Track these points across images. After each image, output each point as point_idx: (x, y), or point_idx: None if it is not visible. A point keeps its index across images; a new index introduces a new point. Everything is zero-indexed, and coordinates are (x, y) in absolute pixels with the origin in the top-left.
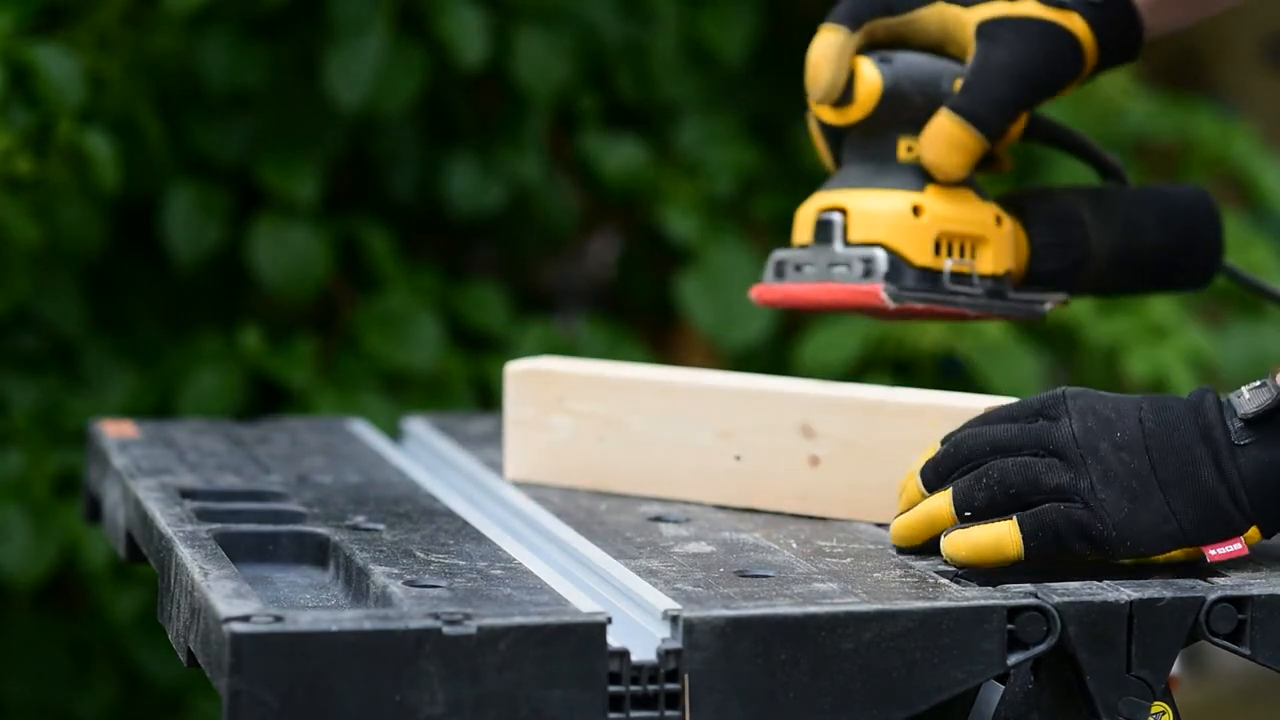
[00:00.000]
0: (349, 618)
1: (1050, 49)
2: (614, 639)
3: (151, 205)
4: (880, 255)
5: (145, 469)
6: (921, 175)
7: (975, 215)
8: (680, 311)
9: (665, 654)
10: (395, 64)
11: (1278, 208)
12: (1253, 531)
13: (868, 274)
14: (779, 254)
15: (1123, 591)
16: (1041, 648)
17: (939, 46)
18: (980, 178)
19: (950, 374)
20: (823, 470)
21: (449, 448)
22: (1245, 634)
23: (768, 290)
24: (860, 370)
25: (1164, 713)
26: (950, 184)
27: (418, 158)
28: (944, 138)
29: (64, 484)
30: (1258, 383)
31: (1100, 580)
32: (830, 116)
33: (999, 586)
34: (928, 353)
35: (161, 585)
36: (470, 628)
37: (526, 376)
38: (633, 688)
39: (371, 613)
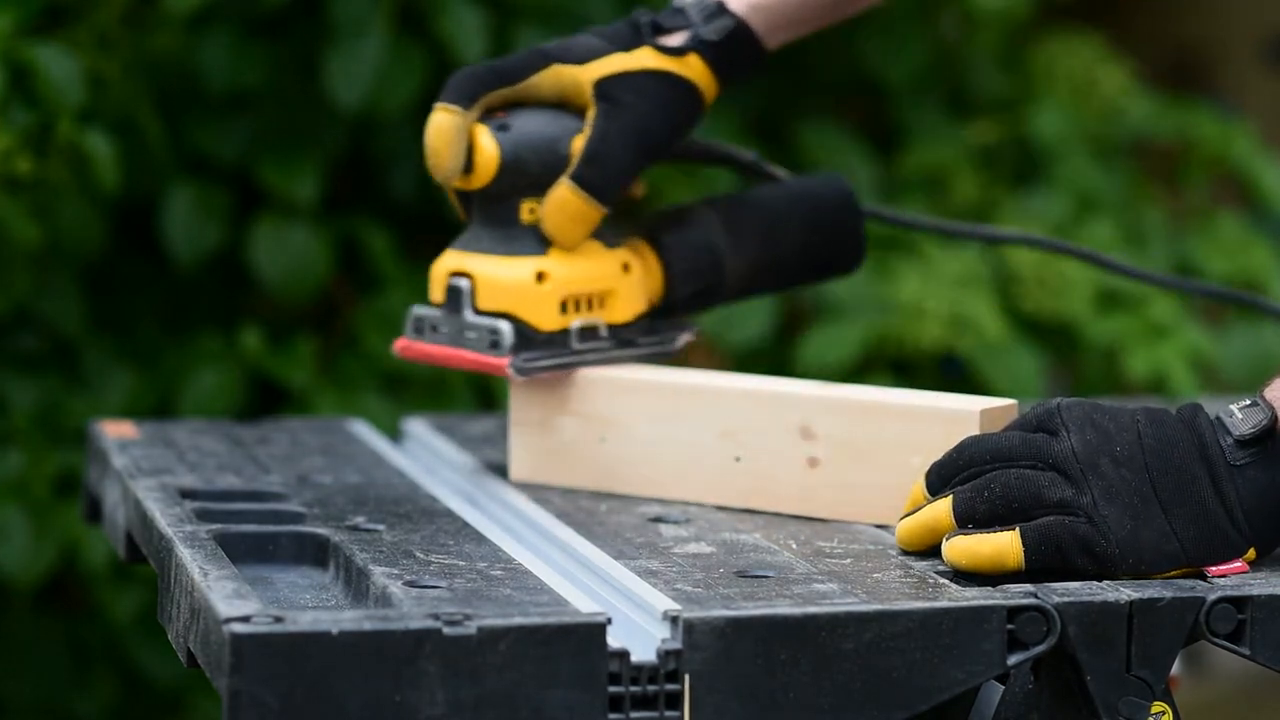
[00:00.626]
0: (349, 618)
1: (670, 102)
2: (614, 639)
3: (151, 205)
4: (506, 329)
5: (145, 469)
6: (543, 238)
7: (600, 270)
8: None
9: (665, 654)
10: (395, 64)
11: (1278, 208)
12: (1250, 552)
13: (494, 345)
14: (417, 310)
15: (1123, 591)
16: (1041, 648)
17: (559, 106)
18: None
19: (950, 373)
20: (822, 471)
21: (449, 448)
22: (1245, 634)
23: (410, 346)
24: (861, 370)
25: (1164, 713)
26: None
27: (418, 157)
28: (564, 210)
29: (64, 484)
30: (1248, 401)
31: (1100, 581)
32: (456, 184)
33: (999, 587)
34: (928, 352)
35: (161, 585)
36: (470, 628)
37: (530, 380)
38: (633, 688)
39: (371, 613)
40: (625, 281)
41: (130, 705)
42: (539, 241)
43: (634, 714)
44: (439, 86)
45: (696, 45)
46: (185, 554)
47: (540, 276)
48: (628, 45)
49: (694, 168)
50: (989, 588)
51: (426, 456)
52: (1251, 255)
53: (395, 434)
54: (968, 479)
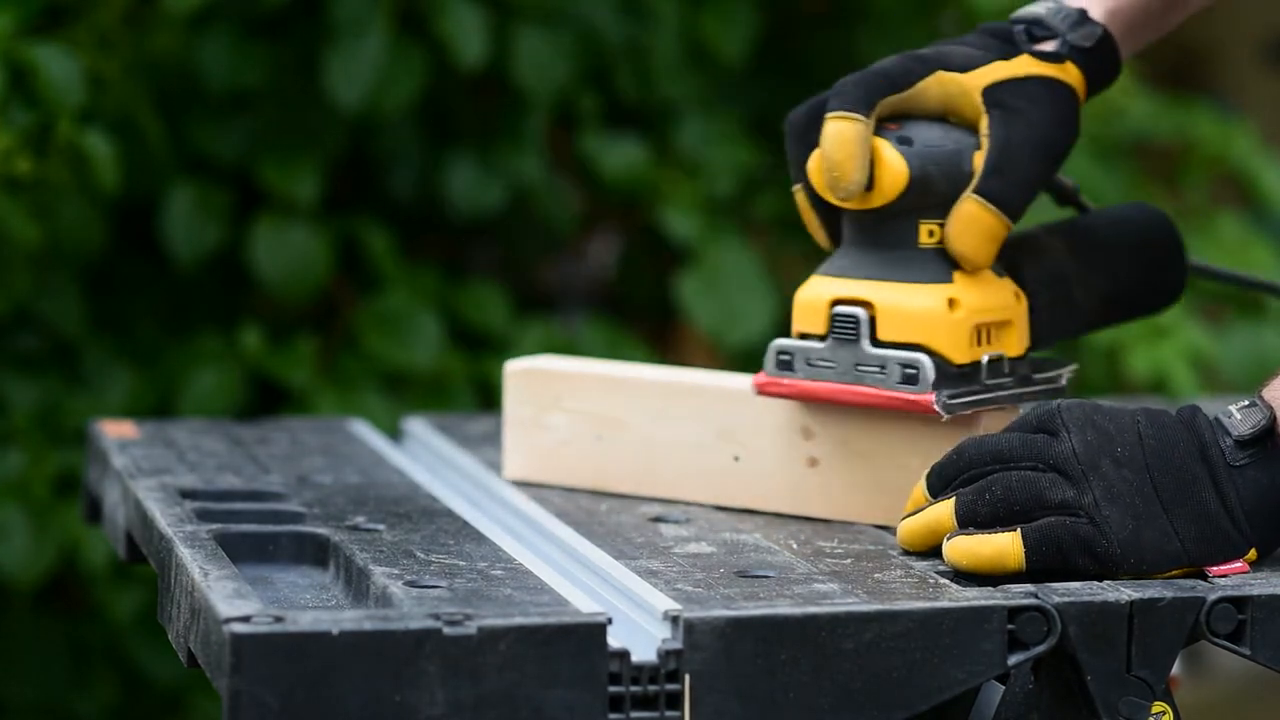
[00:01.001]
0: (349, 618)
1: (1061, 110)
2: (614, 639)
3: (151, 205)
4: (926, 362)
5: (145, 469)
6: (946, 262)
7: (1000, 299)
8: (680, 311)
9: (665, 654)
10: (395, 64)
11: (1278, 208)
12: (1251, 553)
13: (909, 380)
14: (782, 344)
15: (1123, 592)
16: (1042, 648)
17: (941, 115)
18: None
19: None
20: (821, 471)
21: (449, 448)
22: (1245, 634)
23: (775, 384)
24: None
25: (1164, 713)
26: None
27: (418, 157)
28: (976, 227)
29: (64, 484)
30: (1246, 401)
31: (1100, 581)
32: (850, 203)
33: (999, 587)
34: None
35: (161, 585)
36: (470, 628)
37: (525, 375)
38: (633, 688)
39: (371, 613)
40: (1019, 311)
41: (130, 705)
42: (942, 267)
43: (634, 714)
44: (439, 86)
45: (1070, 52)
46: (185, 554)
47: (952, 304)
48: (1004, 53)
49: None
50: (989, 588)
51: (426, 456)
52: (1251, 255)
53: (395, 434)
54: (968, 481)
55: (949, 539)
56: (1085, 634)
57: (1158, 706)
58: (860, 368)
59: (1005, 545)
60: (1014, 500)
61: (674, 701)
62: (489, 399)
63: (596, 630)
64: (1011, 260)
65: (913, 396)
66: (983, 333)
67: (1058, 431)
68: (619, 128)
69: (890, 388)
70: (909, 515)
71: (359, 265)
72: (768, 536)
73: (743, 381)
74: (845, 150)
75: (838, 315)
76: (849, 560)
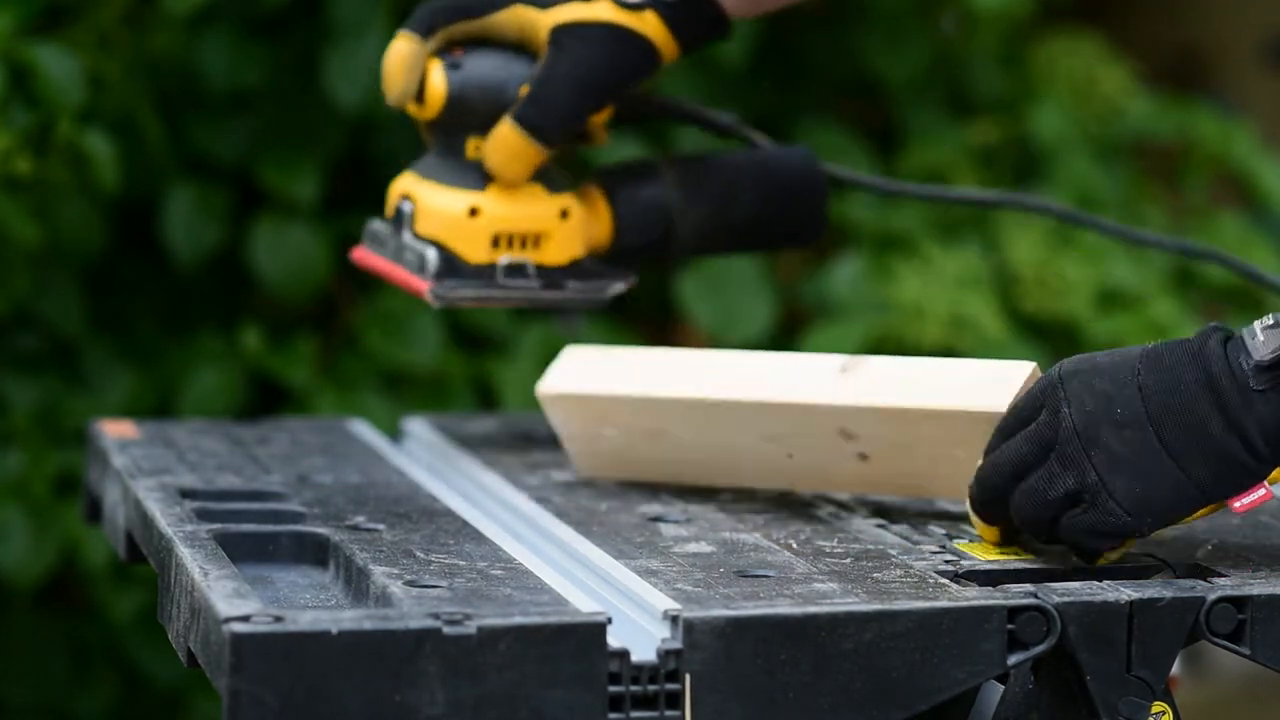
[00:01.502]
0: (349, 618)
1: (616, 53)
2: (614, 639)
3: (151, 205)
4: (432, 256)
5: (145, 469)
6: (484, 175)
7: (537, 211)
8: (681, 311)
9: (665, 654)
10: None
11: (1278, 208)
12: (1275, 472)
13: (421, 269)
14: (374, 224)
15: (1123, 591)
16: (1041, 648)
17: (519, 47)
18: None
19: None
20: (874, 464)
21: (449, 448)
22: (1245, 634)
23: (364, 256)
24: None
25: (1164, 713)
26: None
27: (417, 156)
28: (505, 147)
29: (64, 484)
30: (1270, 320)
31: (1100, 580)
32: (411, 111)
33: (999, 586)
34: (928, 351)
35: (161, 585)
36: (470, 628)
37: (560, 401)
38: (633, 688)
39: (371, 613)
40: (562, 226)
41: (130, 705)
42: (481, 177)
43: (634, 714)
44: None
45: (654, 3)
46: (185, 554)
47: (473, 211)
48: None
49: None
50: (989, 588)
51: (426, 456)
52: (1251, 255)
53: (395, 434)
54: (1004, 509)
55: None
56: (1085, 634)
57: (1158, 706)
58: (403, 254)
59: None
60: (1026, 518)
61: (674, 701)
62: (489, 399)
63: (596, 630)
64: (607, 179)
65: (417, 282)
66: (504, 239)
67: (1058, 408)
68: (618, 128)
69: (411, 273)
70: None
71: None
72: (768, 536)
73: (768, 390)
74: (395, 65)
75: (396, 207)
76: (849, 560)
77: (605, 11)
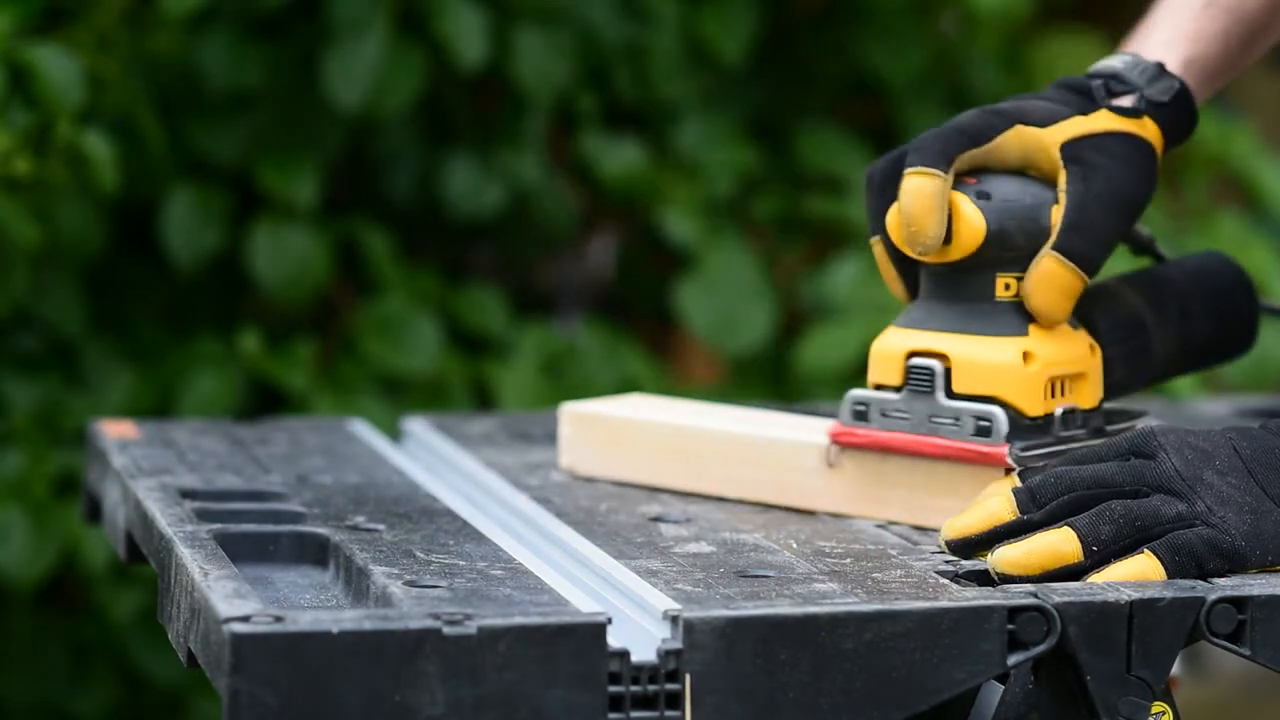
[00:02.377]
0: (349, 618)
1: (1139, 164)
2: (614, 639)
3: (151, 206)
4: (999, 415)
5: (145, 469)
6: (1022, 315)
7: (1074, 352)
8: (680, 318)
9: (665, 654)
10: (395, 65)
11: (1278, 208)
12: None
13: (982, 433)
14: (858, 394)
15: (1123, 591)
16: (1041, 648)
17: (1020, 170)
18: None
19: None
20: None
21: (449, 448)
22: (1245, 634)
23: (850, 434)
24: (860, 372)
25: (1164, 713)
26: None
27: (416, 159)
28: (1054, 283)
29: (64, 484)
30: None
31: (1101, 570)
32: (928, 256)
33: (999, 586)
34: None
35: (161, 585)
36: (470, 628)
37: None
38: (633, 688)
39: (371, 613)
40: (1093, 364)
41: (130, 705)
42: (1017, 320)
43: (634, 714)
44: (439, 87)
45: (1148, 107)
46: (185, 554)
47: (1027, 357)
48: (1083, 108)
49: None
50: (989, 588)
51: (426, 456)
52: (1251, 255)
53: (394, 437)
54: (1074, 504)
55: (1088, 577)
56: (1085, 634)
57: (1158, 706)
58: (934, 419)
59: (1145, 568)
60: (1135, 517)
61: (674, 701)
62: (487, 402)
63: (596, 630)
64: (1086, 311)
65: (986, 449)
66: (1056, 385)
67: (1155, 454)
68: (618, 128)
69: (963, 439)
70: (1008, 540)
71: (358, 267)
72: (768, 536)
73: (763, 491)
74: (924, 205)
75: (913, 367)
76: (849, 560)
77: (1111, 121)
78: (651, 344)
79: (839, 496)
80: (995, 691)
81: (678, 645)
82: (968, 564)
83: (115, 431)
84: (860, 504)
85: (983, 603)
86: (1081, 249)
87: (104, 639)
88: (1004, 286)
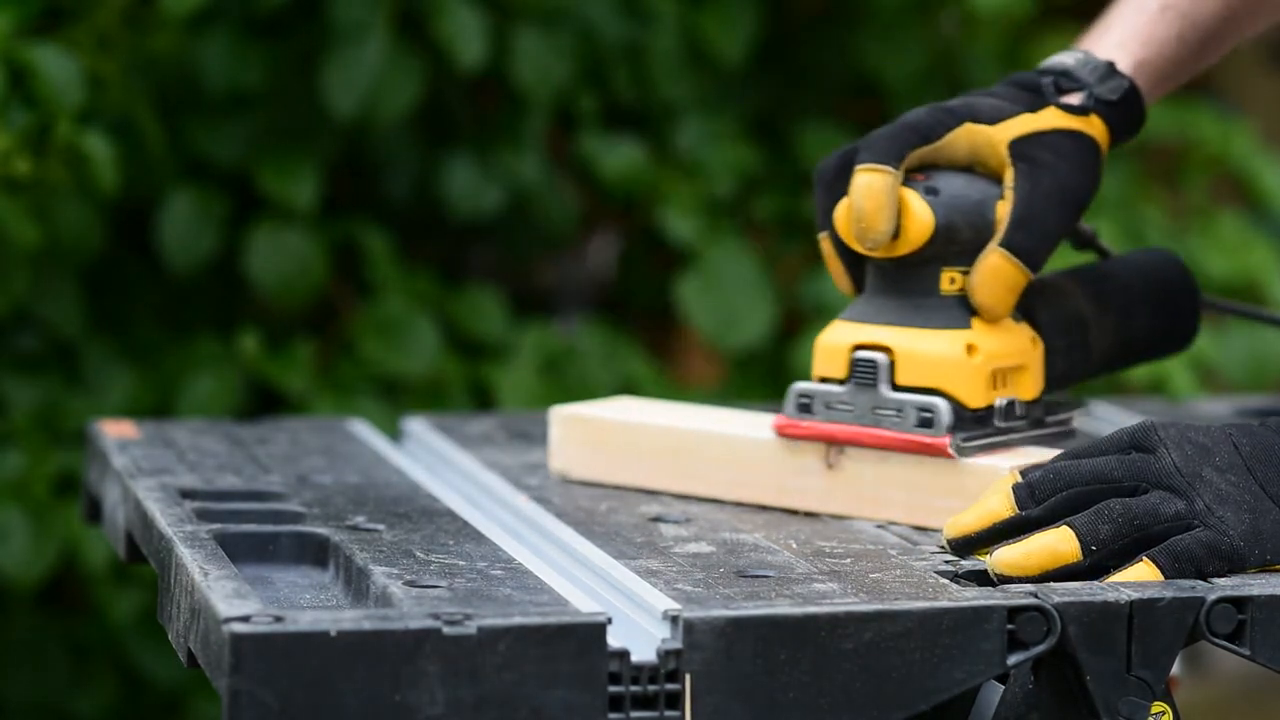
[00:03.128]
0: (349, 618)
1: (1084, 164)
2: (614, 639)
3: (150, 206)
4: (942, 406)
5: (145, 469)
6: (966, 309)
7: (1016, 344)
8: (680, 313)
9: (665, 654)
10: (393, 71)
11: (1278, 208)
12: None
13: (925, 424)
14: (802, 387)
15: (1123, 591)
16: (1041, 648)
17: (969, 166)
18: None
19: None
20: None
21: (449, 448)
22: (1245, 634)
23: (794, 426)
24: None
25: (1164, 713)
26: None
27: (416, 160)
28: (999, 278)
29: (64, 484)
30: None
31: (1100, 580)
32: (873, 251)
33: (999, 587)
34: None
35: (161, 585)
36: (470, 628)
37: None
38: (633, 688)
39: (371, 613)
40: (1035, 356)
41: (130, 705)
42: (961, 313)
43: (634, 714)
44: (438, 88)
45: (1095, 105)
46: (185, 554)
47: (970, 349)
48: (1033, 106)
49: None
50: (989, 588)
51: (426, 456)
52: (1251, 255)
53: (394, 436)
54: (1072, 501)
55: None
56: (1085, 634)
57: (1158, 706)
58: (878, 411)
59: (1144, 575)
60: (1134, 517)
61: (674, 701)
62: (486, 402)
63: (596, 630)
64: (1029, 305)
65: (928, 440)
66: (998, 377)
67: (1155, 449)
68: (618, 128)
69: (907, 430)
70: (1006, 540)
71: (357, 268)
72: (768, 536)
73: (764, 494)
74: (874, 201)
75: (858, 360)
76: (848, 560)
77: (1058, 119)
78: (651, 344)
79: (838, 498)
80: (995, 691)
81: (677, 645)
82: (967, 564)
83: (115, 431)
84: (859, 505)
85: (983, 603)
86: (1027, 245)
87: (104, 639)
88: (949, 281)
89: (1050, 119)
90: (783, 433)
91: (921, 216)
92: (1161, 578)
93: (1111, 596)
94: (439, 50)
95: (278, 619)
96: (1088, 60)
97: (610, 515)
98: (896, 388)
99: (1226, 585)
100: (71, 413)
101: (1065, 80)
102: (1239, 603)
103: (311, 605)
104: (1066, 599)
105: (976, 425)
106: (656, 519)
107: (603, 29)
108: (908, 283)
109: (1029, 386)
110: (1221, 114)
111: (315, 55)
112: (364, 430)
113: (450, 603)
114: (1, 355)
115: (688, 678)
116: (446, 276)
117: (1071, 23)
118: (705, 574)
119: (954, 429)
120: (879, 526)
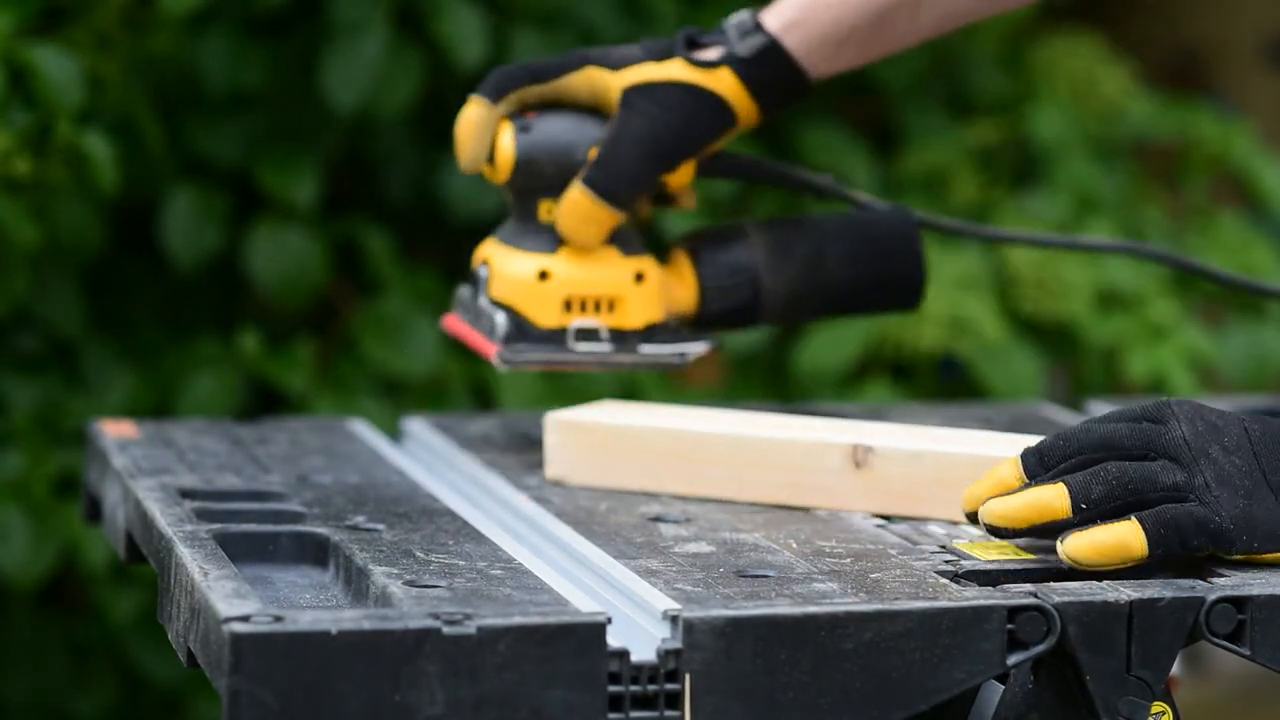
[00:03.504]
0: (349, 618)
1: (688, 113)
2: (614, 639)
3: (150, 206)
4: (501, 320)
5: (145, 469)
6: (555, 237)
7: (609, 275)
8: None
9: (665, 654)
10: (393, 66)
11: (1278, 208)
12: None
13: (492, 333)
14: (461, 290)
15: (1123, 591)
16: (1041, 648)
17: (591, 109)
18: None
19: (949, 375)
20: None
21: (449, 448)
22: (1245, 634)
23: (453, 323)
24: (859, 372)
25: (1164, 713)
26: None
27: (416, 159)
28: (576, 211)
29: (64, 484)
30: None
31: (1100, 580)
32: (486, 175)
33: (999, 586)
34: (927, 355)
35: (161, 585)
36: (470, 628)
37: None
38: (633, 688)
39: (371, 613)
40: (637, 290)
41: (130, 705)
42: (553, 241)
43: (634, 714)
44: (438, 87)
45: (729, 60)
46: (185, 554)
47: (543, 275)
48: (661, 56)
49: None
50: (989, 588)
51: (426, 456)
52: (1251, 255)
53: (395, 435)
54: (1079, 465)
55: (1065, 537)
56: (1085, 634)
57: (1157, 706)
58: (478, 316)
59: (1126, 533)
60: (1128, 479)
61: (674, 701)
62: (487, 402)
63: (596, 630)
64: (695, 245)
65: (486, 345)
66: (576, 303)
67: (1166, 420)
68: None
69: (484, 336)
70: (1001, 494)
71: (357, 268)
72: (768, 536)
73: (782, 492)
74: (466, 131)
75: (474, 271)
76: (848, 560)
77: (678, 71)
78: None
79: (857, 497)
80: (995, 691)
81: (677, 645)
82: (968, 564)
83: (115, 431)
84: (887, 503)
85: (982, 603)
86: (603, 183)
87: (104, 639)
88: (546, 210)
89: (672, 71)
90: (449, 329)
91: (505, 149)
92: (1143, 537)
93: (1111, 596)
94: (438, 50)
95: (278, 619)
96: (743, 20)
97: (610, 515)
98: (490, 300)
99: (1226, 585)
100: (71, 413)
101: (716, 35)
102: (1239, 603)
103: (311, 605)
104: (1066, 599)
105: (547, 343)
106: (656, 519)
107: (603, 29)
108: (516, 207)
109: (629, 316)
110: (1221, 114)
111: (315, 53)
112: (364, 430)
113: (450, 603)
114: (1, 355)
115: (687, 677)
116: (447, 276)
117: (1071, 23)
118: (705, 574)
119: (512, 341)
120: (879, 526)
